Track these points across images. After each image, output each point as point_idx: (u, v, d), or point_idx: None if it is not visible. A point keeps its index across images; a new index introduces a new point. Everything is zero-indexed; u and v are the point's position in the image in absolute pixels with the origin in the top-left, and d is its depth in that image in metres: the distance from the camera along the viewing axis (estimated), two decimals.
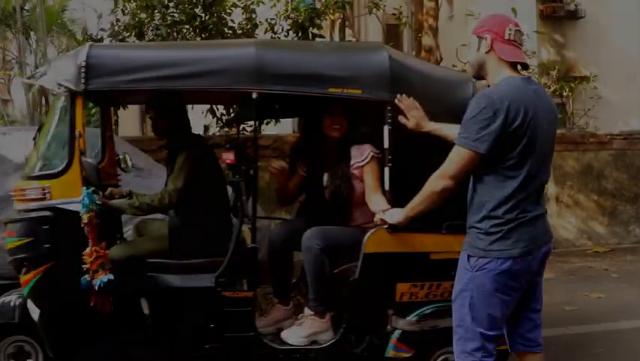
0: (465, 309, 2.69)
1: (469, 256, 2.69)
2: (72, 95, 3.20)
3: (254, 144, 3.42)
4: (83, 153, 3.17)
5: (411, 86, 3.27)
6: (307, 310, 3.43)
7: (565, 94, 10.21)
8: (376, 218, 3.13)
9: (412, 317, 3.28)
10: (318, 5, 9.26)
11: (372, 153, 3.47)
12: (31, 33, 18.70)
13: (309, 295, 3.43)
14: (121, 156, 4.14)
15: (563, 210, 8.71)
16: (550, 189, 8.54)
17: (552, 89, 9.85)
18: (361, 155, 3.48)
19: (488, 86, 2.81)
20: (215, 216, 3.60)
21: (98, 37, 8.38)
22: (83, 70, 3.13)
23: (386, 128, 3.22)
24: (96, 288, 3.15)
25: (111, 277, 3.18)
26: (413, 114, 3.15)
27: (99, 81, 3.17)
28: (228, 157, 3.24)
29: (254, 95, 3.18)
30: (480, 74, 2.79)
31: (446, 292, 3.26)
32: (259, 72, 3.19)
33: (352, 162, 3.49)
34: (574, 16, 13.87)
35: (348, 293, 3.34)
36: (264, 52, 3.29)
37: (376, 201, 3.31)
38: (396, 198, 3.18)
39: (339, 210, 3.53)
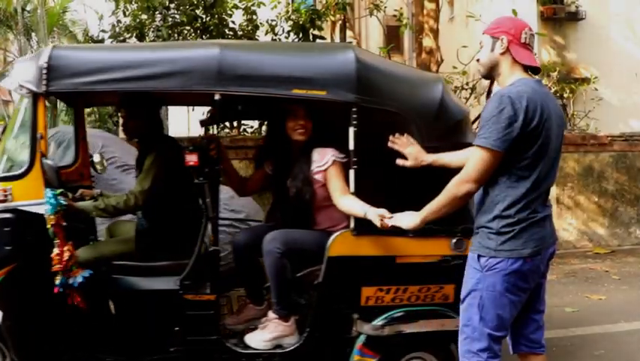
0: (474, 309, 2.68)
1: (479, 256, 2.68)
2: (34, 97, 3.17)
3: (217, 145, 3.35)
4: (44, 155, 3.15)
5: (378, 87, 3.23)
6: (271, 314, 3.38)
7: (565, 95, 10.21)
8: (381, 223, 2.99)
9: (377, 322, 3.20)
10: (318, 7, 9.29)
11: (333, 158, 3.38)
12: (33, 34, 18.75)
13: (272, 298, 3.38)
14: (95, 158, 4.11)
15: (563, 212, 8.71)
16: (551, 190, 8.53)
17: (553, 90, 9.83)
18: (322, 159, 3.40)
19: (490, 87, 2.82)
20: (183, 218, 3.55)
21: (99, 38, 8.40)
22: (44, 71, 3.10)
23: (352, 130, 3.14)
24: (77, 285, 3.14)
25: (91, 270, 3.18)
26: (409, 151, 3.11)
27: (61, 83, 3.14)
28: (191, 159, 3.20)
29: (216, 97, 3.15)
30: (491, 74, 2.78)
31: (413, 297, 3.25)
32: (222, 73, 3.14)
33: (313, 166, 3.42)
34: (574, 17, 13.89)
35: (313, 297, 3.29)
36: (228, 53, 3.24)
37: (351, 203, 3.20)
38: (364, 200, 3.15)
39: (302, 214, 3.47)
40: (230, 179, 3.72)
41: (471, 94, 9.69)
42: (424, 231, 3.07)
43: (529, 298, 2.77)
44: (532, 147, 2.59)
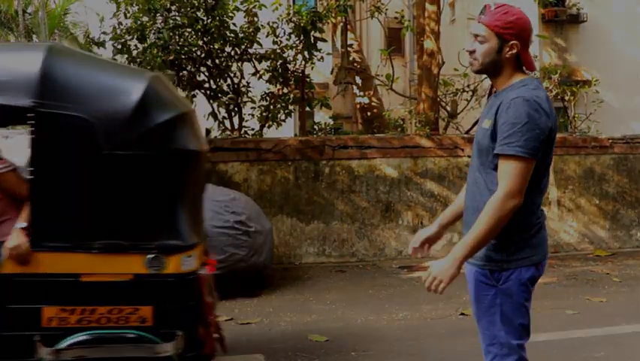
0: (496, 326, 2.55)
1: (490, 271, 2.55)
2: None
3: None
4: None
5: (63, 89, 2.92)
6: None
7: (567, 98, 10.19)
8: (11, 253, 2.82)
9: (60, 345, 2.89)
10: (320, 9, 9.30)
11: None
12: (34, 36, 18.76)
13: None
14: None
15: (564, 214, 8.71)
16: (552, 192, 8.55)
17: (554, 93, 9.83)
18: None
19: (491, 89, 2.74)
20: None
21: (101, 40, 8.42)
22: None
23: (26, 138, 2.86)
24: None
25: None
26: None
27: None
28: None
29: None
30: (488, 71, 2.61)
31: (103, 318, 2.96)
32: None
33: None
34: (576, 20, 13.91)
35: None
36: None
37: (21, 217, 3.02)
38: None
39: None
40: None
41: (472, 96, 9.69)
42: (109, 247, 2.91)
43: None
44: (550, 151, 2.50)
